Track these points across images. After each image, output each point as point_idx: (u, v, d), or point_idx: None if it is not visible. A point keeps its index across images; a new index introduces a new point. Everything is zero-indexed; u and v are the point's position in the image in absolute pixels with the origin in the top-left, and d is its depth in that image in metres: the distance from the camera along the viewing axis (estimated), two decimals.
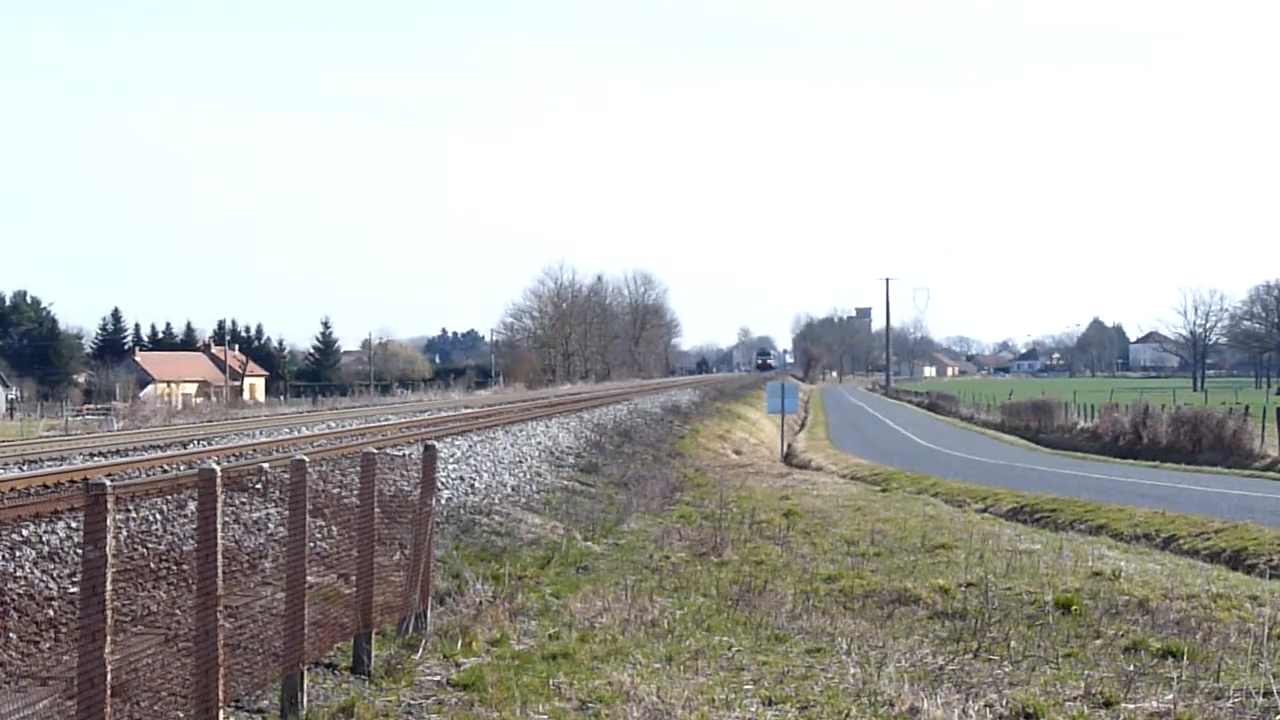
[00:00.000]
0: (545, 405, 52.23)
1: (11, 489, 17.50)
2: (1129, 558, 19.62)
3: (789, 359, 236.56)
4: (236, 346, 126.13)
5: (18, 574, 11.12)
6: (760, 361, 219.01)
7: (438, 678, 10.83)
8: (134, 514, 13.44)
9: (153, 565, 11.62)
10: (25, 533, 12.67)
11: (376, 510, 11.15)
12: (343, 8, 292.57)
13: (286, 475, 10.32)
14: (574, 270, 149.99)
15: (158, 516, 13.63)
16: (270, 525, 14.01)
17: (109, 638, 6.73)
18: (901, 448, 55.54)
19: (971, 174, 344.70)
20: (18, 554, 11.81)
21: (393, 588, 11.76)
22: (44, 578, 11.24)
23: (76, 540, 11.98)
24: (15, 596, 10.49)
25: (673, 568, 17.53)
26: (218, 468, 8.10)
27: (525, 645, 12.23)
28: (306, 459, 9.93)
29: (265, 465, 16.08)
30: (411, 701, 10.05)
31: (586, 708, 10.02)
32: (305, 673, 9.53)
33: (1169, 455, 45.40)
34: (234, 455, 24.98)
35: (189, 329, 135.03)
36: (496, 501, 22.11)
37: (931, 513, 27.01)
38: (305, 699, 9.42)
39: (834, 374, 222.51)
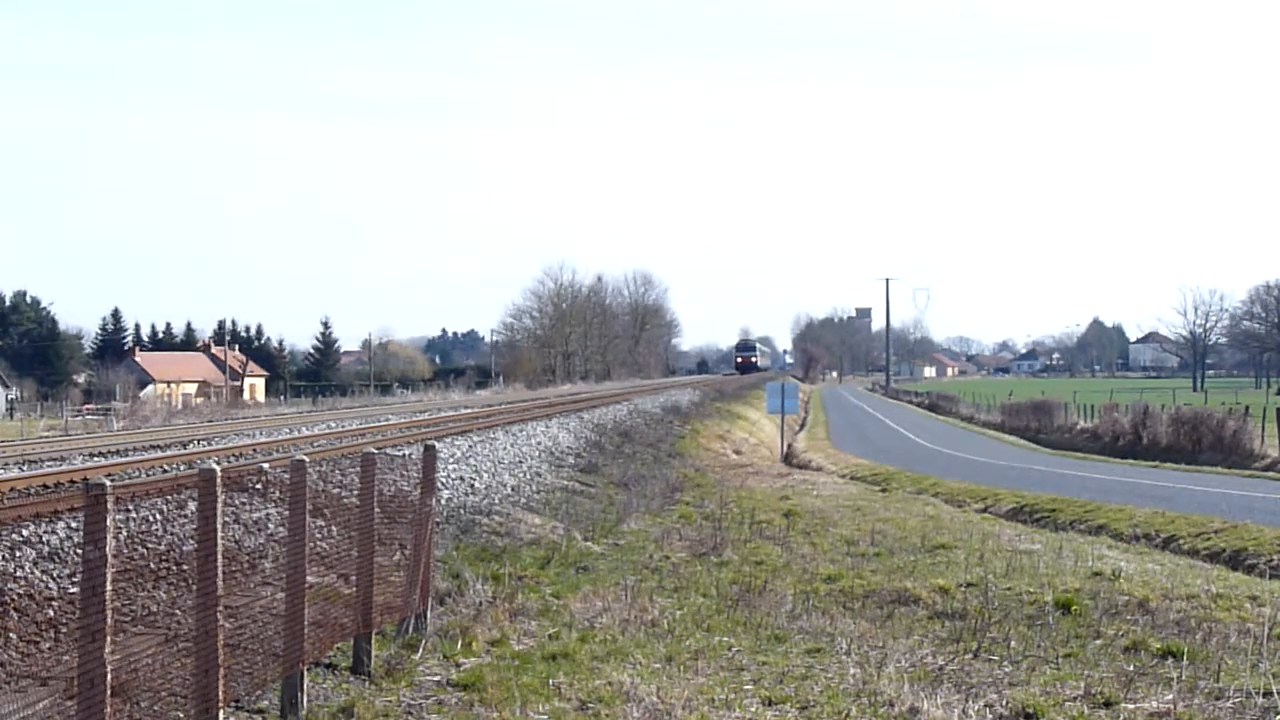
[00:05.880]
0: (545, 405, 52.22)
1: (11, 489, 17.50)
2: (1129, 558, 19.62)
3: (788, 359, 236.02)
4: (236, 346, 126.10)
5: (18, 574, 11.12)
6: (740, 360, 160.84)
7: (438, 678, 10.83)
8: (134, 514, 13.44)
9: (153, 565, 11.62)
10: (25, 533, 12.67)
11: (376, 510, 11.16)
12: (343, 7, 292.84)
13: (286, 475, 10.33)
14: (574, 270, 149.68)
15: (158, 516, 13.63)
16: (270, 525, 14.01)
17: (109, 638, 6.73)
18: (901, 448, 55.54)
19: (971, 174, 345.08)
20: (18, 554, 11.80)
21: (393, 588, 11.76)
22: (44, 578, 11.24)
23: (76, 540, 11.98)
24: (15, 596, 10.49)
25: (673, 568, 17.53)
26: (218, 468, 8.10)
27: (525, 645, 12.23)
28: (306, 459, 9.93)
29: (265, 465, 16.08)
30: (411, 702, 10.05)
31: (586, 708, 10.02)
32: (305, 673, 9.53)
33: (1169, 455, 45.39)
34: (234, 455, 24.97)
35: (189, 329, 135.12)
36: (496, 501, 22.11)
37: (931, 513, 27.01)
38: (305, 699, 9.42)
39: (834, 374, 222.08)
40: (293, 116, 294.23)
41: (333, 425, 37.73)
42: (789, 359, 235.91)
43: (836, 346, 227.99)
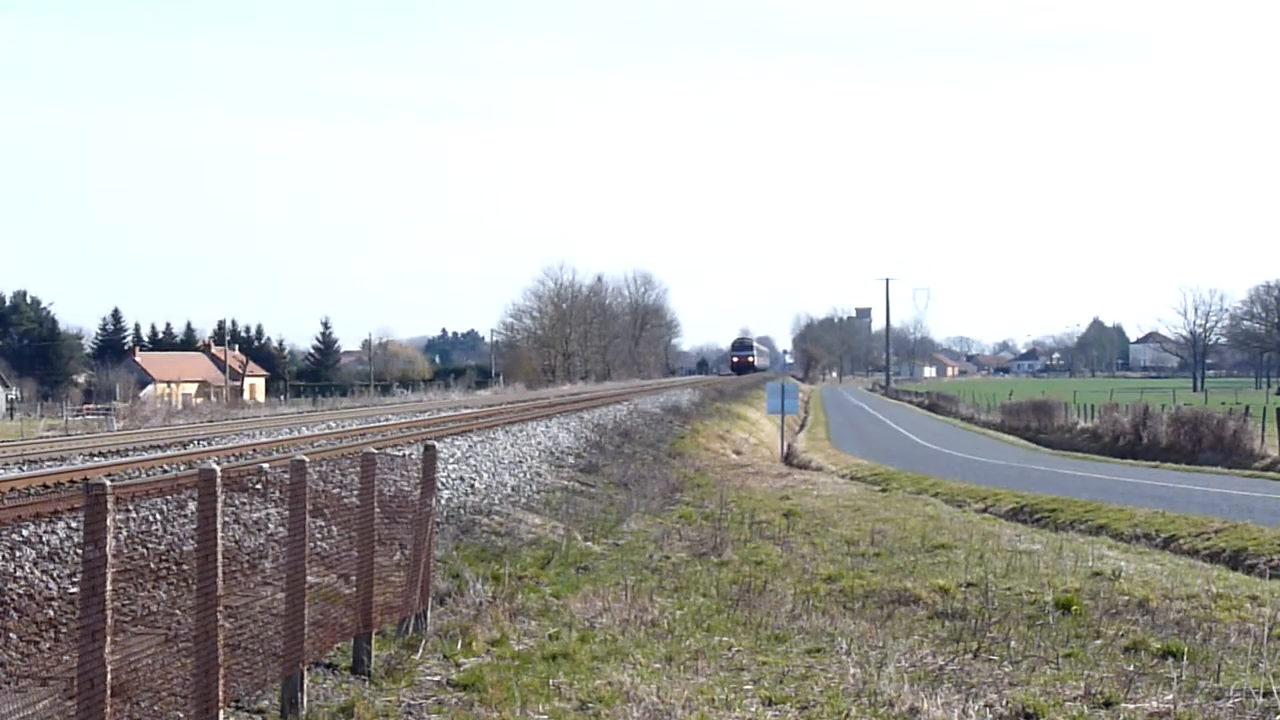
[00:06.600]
0: (545, 405, 52.21)
1: (11, 489, 17.51)
2: (1129, 558, 19.62)
3: (788, 359, 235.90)
4: (236, 346, 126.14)
5: (18, 574, 11.12)
6: (736, 360, 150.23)
7: (438, 678, 10.83)
8: (134, 514, 13.43)
9: (153, 565, 11.62)
10: (25, 533, 12.67)
11: (376, 510, 11.15)
12: (343, 8, 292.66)
13: (286, 475, 10.32)
14: (574, 270, 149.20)
15: (158, 516, 13.63)
16: (270, 525, 14.01)
17: (109, 638, 6.72)
18: (901, 448, 55.53)
19: (971, 174, 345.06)
20: (18, 554, 11.80)
21: (393, 588, 11.76)
22: (44, 578, 11.24)
23: (76, 540, 11.98)
24: (15, 596, 10.49)
25: (673, 568, 17.53)
26: (218, 468, 8.10)
27: (525, 645, 12.23)
28: (306, 459, 9.93)
29: (265, 465, 16.07)
30: (411, 702, 10.05)
31: (586, 708, 10.02)
32: (305, 673, 9.53)
33: (1169, 455, 45.39)
34: (234, 455, 24.97)
35: (189, 329, 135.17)
36: (496, 501, 22.11)
37: (931, 513, 27.01)
38: (305, 699, 9.42)
39: (834, 374, 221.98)
40: (293, 116, 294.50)
41: (333, 425, 37.73)
42: (789, 359, 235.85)
43: (836, 346, 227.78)
